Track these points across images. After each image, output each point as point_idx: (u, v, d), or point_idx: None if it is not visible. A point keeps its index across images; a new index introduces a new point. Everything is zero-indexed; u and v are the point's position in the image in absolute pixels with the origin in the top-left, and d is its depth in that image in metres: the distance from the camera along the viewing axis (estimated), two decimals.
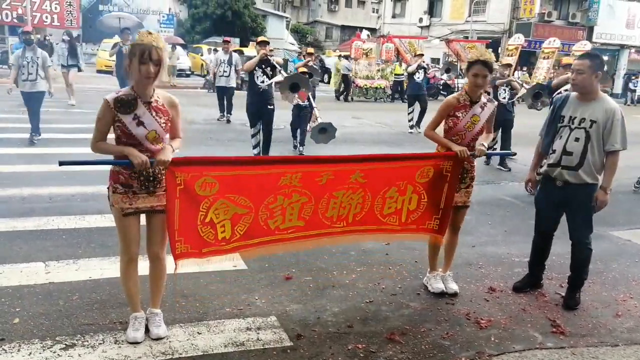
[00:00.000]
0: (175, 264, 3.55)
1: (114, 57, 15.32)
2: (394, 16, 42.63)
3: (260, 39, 9.19)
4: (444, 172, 4.20)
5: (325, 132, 7.31)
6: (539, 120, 5.12)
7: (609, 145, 4.14)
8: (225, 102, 14.08)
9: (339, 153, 10.29)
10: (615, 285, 4.97)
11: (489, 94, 6.92)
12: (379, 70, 24.91)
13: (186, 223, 3.54)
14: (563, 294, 4.61)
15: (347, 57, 24.41)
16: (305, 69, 9.54)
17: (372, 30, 42.02)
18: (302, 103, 9.93)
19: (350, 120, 15.75)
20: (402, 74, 25.52)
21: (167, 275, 4.36)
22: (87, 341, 3.45)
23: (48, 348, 3.35)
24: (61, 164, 3.34)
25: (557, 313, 4.31)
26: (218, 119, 14.04)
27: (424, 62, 15.19)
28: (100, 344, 3.43)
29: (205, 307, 4.05)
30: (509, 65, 11.04)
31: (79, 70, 16.04)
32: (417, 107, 14.30)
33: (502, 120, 9.13)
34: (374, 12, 54.89)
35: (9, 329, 3.55)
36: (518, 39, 28.73)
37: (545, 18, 33.96)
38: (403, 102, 24.38)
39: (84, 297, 4.05)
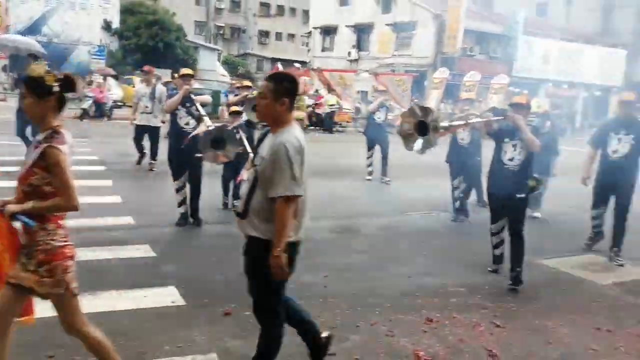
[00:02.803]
0: None
1: None
2: (323, 50, 43.44)
3: (183, 71, 7.57)
4: None
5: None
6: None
7: (269, 191, 3.15)
8: (150, 145, 11.33)
9: None
10: (546, 313, 5.15)
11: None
12: None
13: None
14: (499, 323, 4.75)
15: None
16: (237, 108, 8.12)
17: (303, 63, 42.62)
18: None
19: None
20: (335, 104, 26.05)
21: (104, 313, 4.22)
22: None
23: None
24: None
25: (494, 343, 4.41)
26: (138, 163, 11.43)
27: (387, 100, 12.94)
28: None
29: (144, 346, 3.92)
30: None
31: None
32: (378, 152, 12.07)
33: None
34: (303, 45, 55.77)
35: None
36: (443, 73, 29.93)
37: (468, 52, 35.51)
38: (324, 132, 24.55)
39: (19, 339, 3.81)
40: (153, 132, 11.36)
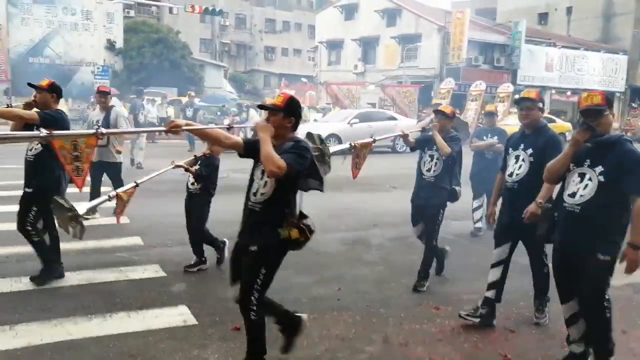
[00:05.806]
0: None
1: None
2: (329, 64, 43.69)
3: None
4: None
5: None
6: None
7: None
8: (112, 184, 8.25)
9: None
10: (560, 316, 5.07)
11: None
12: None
13: None
14: (513, 328, 4.71)
15: None
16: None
17: (309, 78, 42.87)
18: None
19: None
20: None
21: (115, 335, 4.21)
22: None
23: None
24: None
25: (509, 347, 4.38)
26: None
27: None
28: None
29: None
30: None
31: None
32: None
33: None
34: (310, 60, 56.07)
35: None
36: (449, 83, 30.03)
37: (473, 63, 35.59)
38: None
39: None
40: (112, 169, 8.50)
